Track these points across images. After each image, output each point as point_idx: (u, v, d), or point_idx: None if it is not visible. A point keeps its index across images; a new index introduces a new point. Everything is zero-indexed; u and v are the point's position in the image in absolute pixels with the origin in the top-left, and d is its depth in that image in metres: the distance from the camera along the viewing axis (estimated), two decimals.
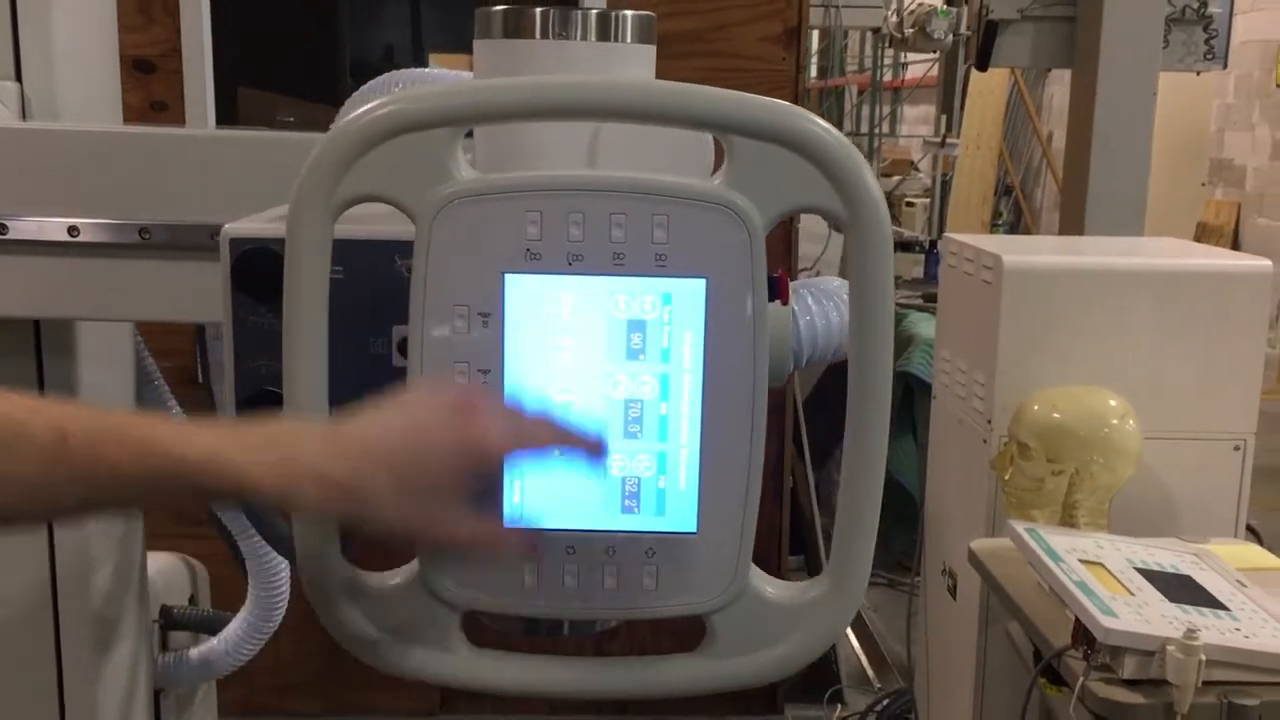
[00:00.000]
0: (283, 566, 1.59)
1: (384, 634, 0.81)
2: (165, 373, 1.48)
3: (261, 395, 0.86)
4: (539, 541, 0.77)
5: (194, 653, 1.59)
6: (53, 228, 1.04)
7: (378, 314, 0.84)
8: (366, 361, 0.85)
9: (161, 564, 1.66)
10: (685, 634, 0.83)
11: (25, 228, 1.04)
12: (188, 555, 1.76)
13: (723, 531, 0.79)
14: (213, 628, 1.62)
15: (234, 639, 1.60)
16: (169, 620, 1.61)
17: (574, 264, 0.76)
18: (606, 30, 0.83)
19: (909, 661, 2.25)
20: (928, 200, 6.18)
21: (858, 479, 0.79)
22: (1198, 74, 2.77)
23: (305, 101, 2.38)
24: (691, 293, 0.76)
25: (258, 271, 0.84)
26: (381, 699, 2.75)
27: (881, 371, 0.77)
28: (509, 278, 0.76)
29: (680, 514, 0.79)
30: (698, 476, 0.78)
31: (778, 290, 0.78)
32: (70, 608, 1.28)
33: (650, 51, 0.86)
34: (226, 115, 2.32)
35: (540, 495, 0.79)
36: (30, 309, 1.11)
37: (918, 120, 8.61)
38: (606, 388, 0.78)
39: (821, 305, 0.90)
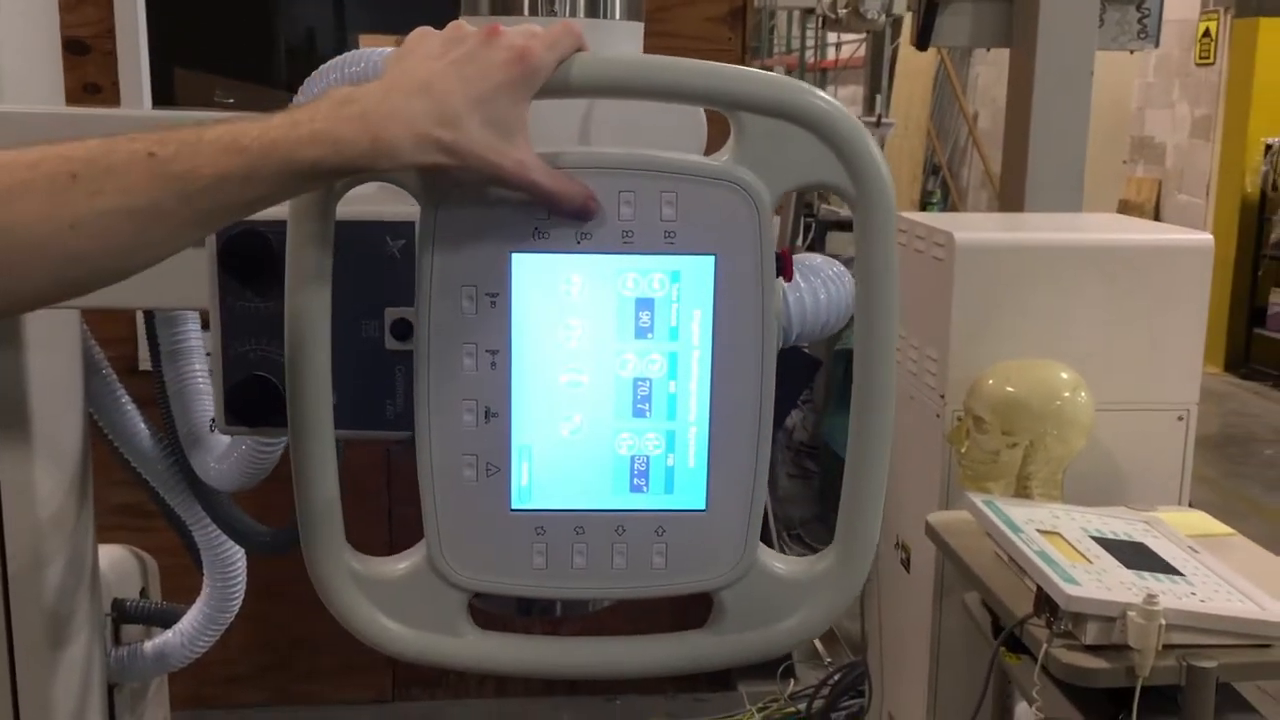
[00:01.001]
0: (238, 557, 1.56)
1: (391, 619, 0.80)
2: (111, 361, 1.44)
3: (250, 381, 0.85)
4: (594, 202, 0.75)
5: (149, 646, 1.56)
6: None
7: (369, 296, 0.83)
8: (358, 345, 0.83)
9: (112, 557, 1.62)
10: (683, 612, 0.83)
11: None
12: (137, 548, 1.72)
13: (732, 508, 0.79)
14: (166, 620, 1.59)
15: (190, 631, 1.57)
16: (121, 614, 1.58)
17: (582, 242, 0.75)
18: (595, 6, 0.82)
19: (862, 635, 2.27)
20: None
21: (863, 454, 0.79)
22: (1131, 53, 2.83)
23: (242, 82, 2.33)
24: (700, 270, 0.76)
25: (246, 255, 0.82)
26: (331, 689, 2.72)
27: (888, 346, 0.77)
28: (516, 257, 0.75)
29: (689, 492, 0.79)
30: (706, 454, 0.78)
31: (782, 267, 0.78)
32: (22, 602, 1.25)
33: (638, 28, 0.86)
34: (162, 97, 2.26)
35: (549, 475, 0.79)
36: None
37: (846, 100, 8.67)
38: (615, 366, 0.77)
39: (810, 282, 0.90)
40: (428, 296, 0.75)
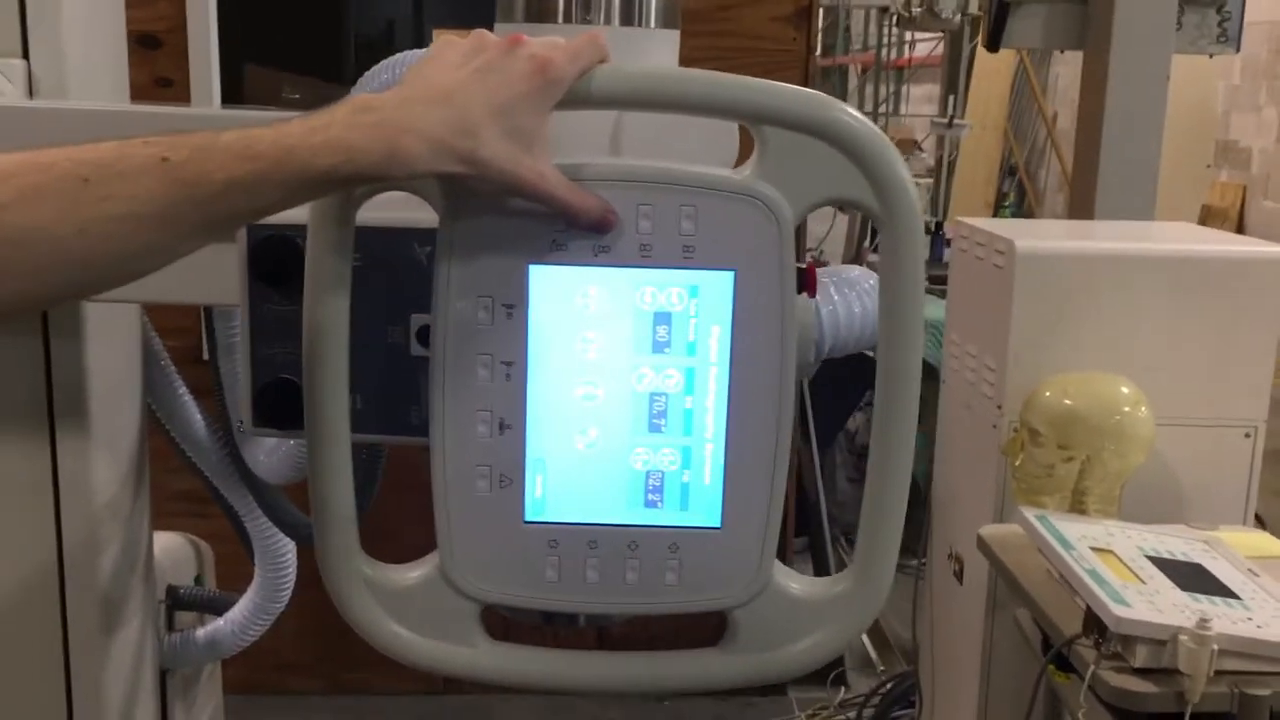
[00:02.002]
0: (289, 548, 1.58)
1: (404, 627, 0.81)
2: (171, 351, 1.47)
3: (278, 384, 0.86)
4: (613, 215, 0.74)
5: (200, 633, 1.59)
6: None
7: (396, 302, 0.83)
8: (384, 350, 0.84)
9: (168, 544, 1.65)
10: (705, 628, 0.83)
11: None
12: (194, 535, 1.75)
13: (747, 527, 0.78)
14: (219, 608, 1.62)
15: (241, 619, 1.60)
16: (175, 600, 1.61)
17: (600, 255, 0.74)
18: (630, 14, 0.82)
19: (914, 645, 2.25)
20: (931, 181, 6.16)
21: (884, 473, 0.78)
22: (1210, 56, 2.75)
23: (311, 79, 2.35)
24: (719, 285, 0.75)
25: (275, 259, 0.83)
26: (382, 679, 2.75)
27: (911, 364, 0.76)
28: (534, 269, 0.75)
29: (704, 509, 0.78)
30: (722, 471, 0.77)
31: (805, 283, 0.77)
32: (77, 588, 1.28)
33: (674, 36, 0.85)
34: (232, 92, 2.30)
35: (563, 488, 0.78)
36: None
37: (922, 99, 8.57)
38: (631, 381, 0.77)
39: (844, 295, 0.88)
40: (444, 306, 0.75)
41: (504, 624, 0.85)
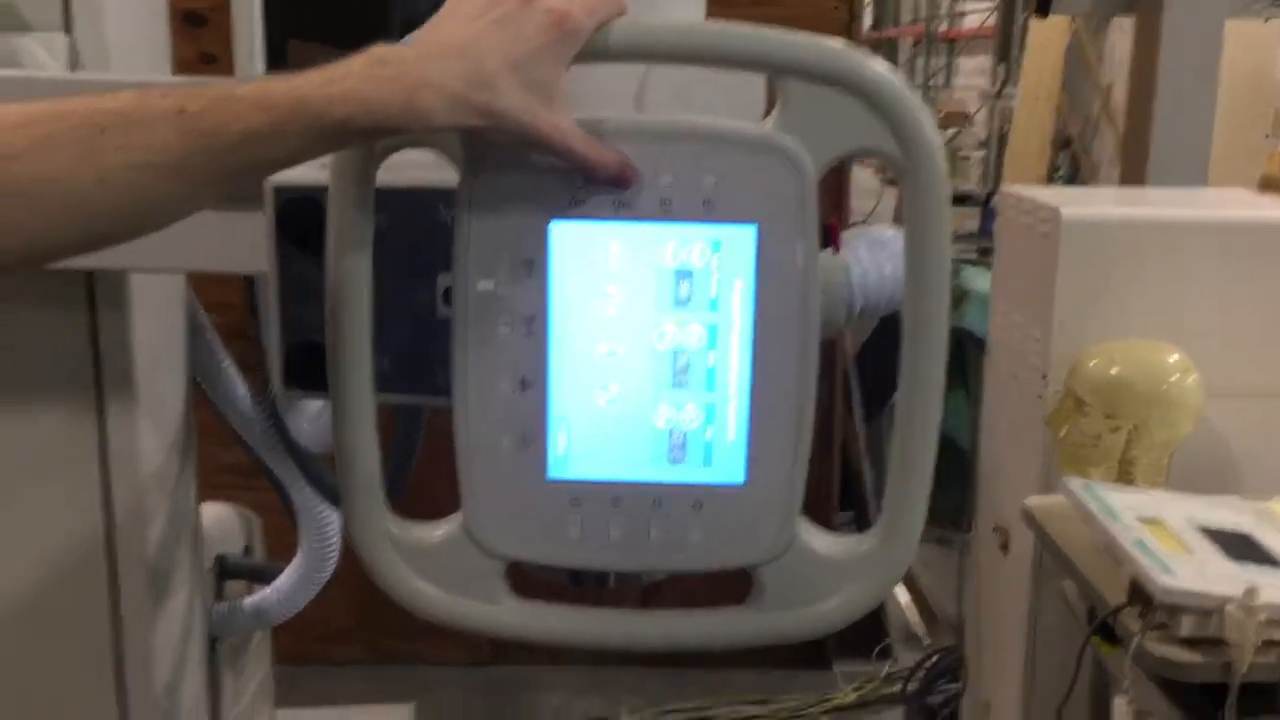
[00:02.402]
0: (333, 518, 1.60)
1: (429, 584, 0.81)
2: (218, 327, 1.49)
3: (306, 345, 0.86)
4: (632, 170, 0.74)
5: (248, 602, 1.62)
6: None
7: (422, 264, 0.83)
8: (410, 312, 0.84)
9: (217, 514, 1.68)
10: (733, 588, 0.82)
11: None
12: (242, 506, 1.78)
13: (772, 484, 0.77)
14: (266, 577, 1.65)
15: (287, 589, 1.62)
16: (224, 569, 1.64)
17: (620, 211, 0.74)
18: None
19: (959, 618, 2.23)
20: (983, 153, 6.06)
21: (912, 430, 0.77)
22: (1265, 21, 2.68)
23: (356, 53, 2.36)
24: (741, 240, 0.74)
25: (302, 220, 0.83)
26: (431, 649, 2.78)
27: (937, 321, 0.75)
28: (554, 225, 0.75)
29: (728, 466, 0.78)
30: (746, 428, 0.77)
31: (829, 238, 0.76)
32: (126, 556, 1.31)
33: None
34: (276, 67, 2.31)
35: (585, 446, 0.78)
36: (80, 259, 1.11)
37: (973, 72, 8.44)
38: (653, 337, 0.77)
39: (875, 255, 0.88)
40: (465, 263, 0.75)
41: (534, 584, 0.86)
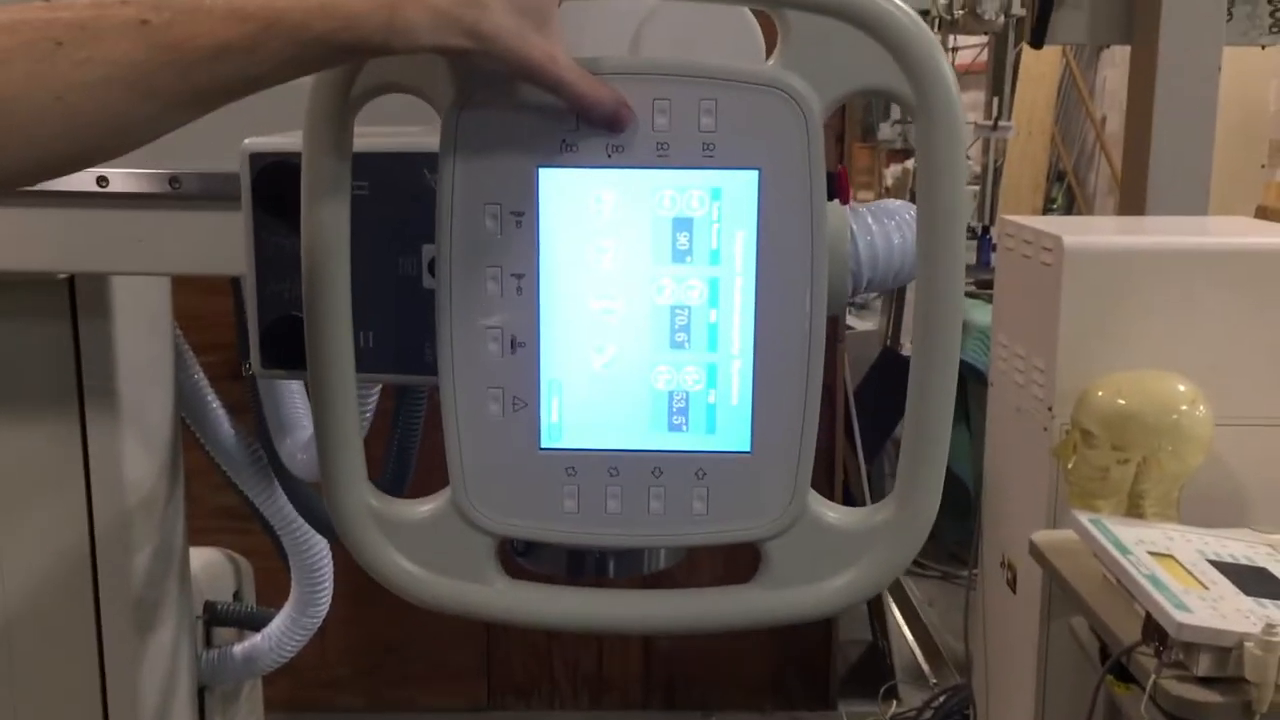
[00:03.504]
0: (325, 562, 1.57)
1: (417, 566, 0.76)
2: (209, 367, 1.46)
3: (285, 320, 0.81)
4: (628, 110, 0.69)
5: (237, 649, 1.58)
6: (81, 178, 1.00)
7: (406, 232, 0.78)
8: (394, 284, 0.79)
9: (206, 560, 1.65)
10: (742, 575, 0.77)
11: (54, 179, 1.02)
12: (232, 550, 1.74)
13: (779, 451, 0.72)
14: (256, 624, 1.61)
15: (277, 635, 1.59)
16: (213, 616, 1.60)
17: (614, 156, 0.69)
18: None
19: (966, 657, 2.19)
20: (978, 187, 6.07)
21: (926, 392, 0.71)
22: (1263, 48, 2.67)
23: None
24: (743, 187, 0.69)
25: (280, 188, 0.77)
26: (426, 696, 2.74)
27: (954, 272, 0.69)
28: (544, 172, 0.70)
29: (732, 432, 0.73)
30: (751, 390, 0.71)
31: (837, 188, 0.70)
32: (112, 602, 1.27)
33: None
34: None
35: (580, 411, 0.73)
36: (61, 263, 1.08)
37: (967, 107, 8.46)
38: (650, 293, 0.71)
39: (883, 225, 0.82)
40: (448, 215, 0.70)
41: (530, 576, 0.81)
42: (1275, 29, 2.53)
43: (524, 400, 0.72)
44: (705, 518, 0.73)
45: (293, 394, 1.42)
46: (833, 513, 0.75)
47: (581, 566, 0.82)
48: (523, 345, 0.72)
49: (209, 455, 1.47)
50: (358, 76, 0.70)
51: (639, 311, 0.72)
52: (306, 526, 1.52)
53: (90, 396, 1.20)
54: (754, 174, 0.69)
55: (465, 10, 0.63)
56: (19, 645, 1.24)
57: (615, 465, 0.73)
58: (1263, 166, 6.92)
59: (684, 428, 0.73)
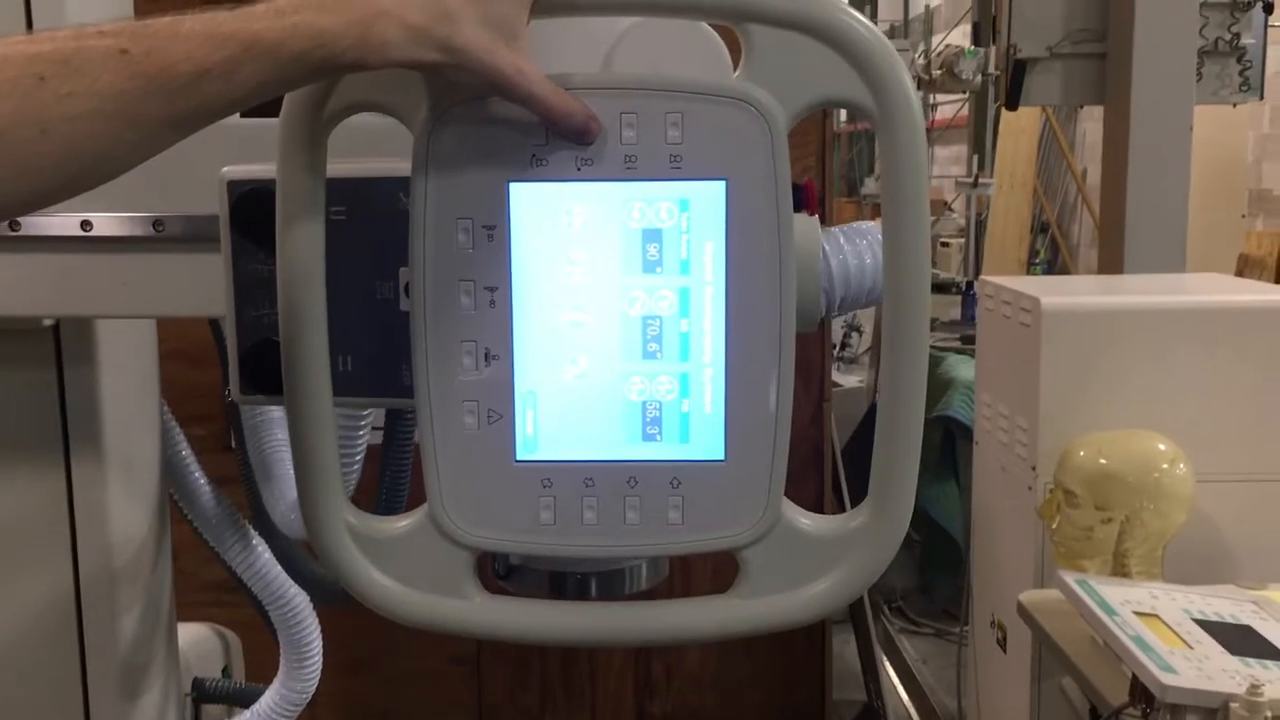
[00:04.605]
0: (313, 637, 1.56)
1: (394, 581, 0.76)
2: (198, 440, 1.47)
3: (264, 345, 0.81)
4: (597, 123, 0.70)
5: None
6: (66, 222, 1.01)
7: (383, 256, 0.79)
8: (372, 307, 0.80)
9: (194, 636, 1.64)
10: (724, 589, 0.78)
11: (38, 223, 1.01)
12: (222, 623, 1.74)
13: (753, 458, 0.72)
14: (245, 700, 1.60)
15: (267, 711, 1.57)
16: (202, 693, 1.59)
17: (583, 169, 0.70)
18: None
19: (959, 714, 2.18)
20: (963, 240, 6.13)
21: (897, 396, 0.72)
22: (1234, 106, 2.73)
23: None
24: (710, 197, 0.71)
25: (258, 214, 0.78)
26: None
27: (918, 277, 0.71)
28: (514, 186, 0.71)
29: (706, 440, 0.73)
30: (724, 399, 0.72)
31: (804, 199, 0.72)
32: (99, 680, 1.26)
33: None
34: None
35: (555, 423, 0.74)
36: (46, 308, 1.08)
37: (950, 160, 8.59)
38: (622, 304, 0.72)
39: (854, 244, 0.82)
40: (421, 230, 0.71)
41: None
42: (1245, 88, 2.59)
43: (499, 412, 0.73)
44: (681, 527, 0.74)
45: (282, 450, 1.42)
46: (808, 520, 0.75)
47: (563, 589, 0.83)
48: (497, 358, 0.73)
49: (194, 529, 1.47)
50: (331, 95, 0.71)
51: (611, 322, 0.73)
52: (294, 599, 1.52)
53: (75, 445, 1.19)
54: (721, 184, 0.71)
55: (437, 25, 0.64)
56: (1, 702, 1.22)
57: (591, 476, 0.74)
58: (1243, 216, 7.00)
59: (658, 437, 0.74)
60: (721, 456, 0.73)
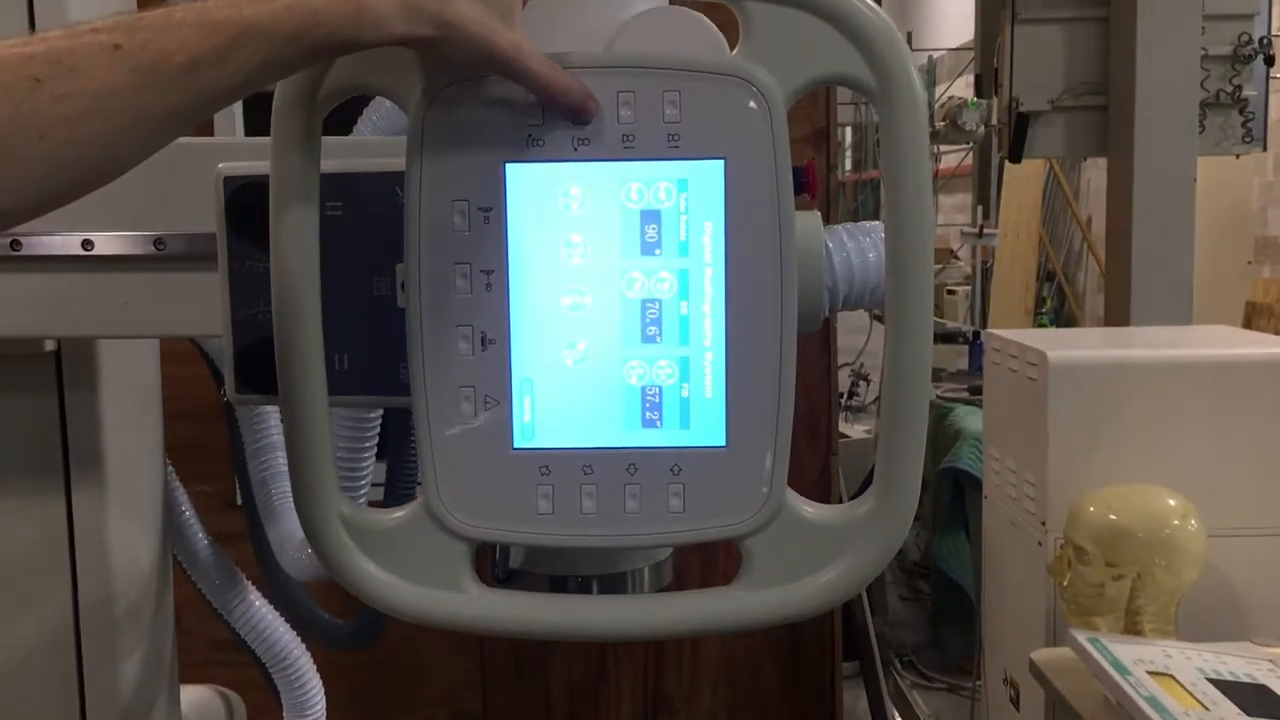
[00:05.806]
0: (317, 700, 1.55)
1: (389, 574, 0.74)
2: (204, 497, 1.46)
3: (261, 343, 0.80)
4: (594, 101, 0.69)
5: None
6: (66, 242, 1.00)
7: (380, 252, 0.78)
8: (369, 304, 0.79)
9: (197, 698, 1.62)
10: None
11: (39, 243, 1.01)
12: (225, 683, 1.72)
13: (755, 444, 0.71)
14: None
15: None
16: None
17: (580, 149, 0.69)
18: None
19: None
20: (969, 289, 6.14)
21: (901, 384, 0.70)
22: (1236, 157, 2.73)
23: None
24: (709, 176, 0.70)
25: (254, 210, 0.77)
26: None
27: (921, 261, 0.69)
28: (511, 167, 0.70)
29: (707, 426, 0.72)
30: (724, 383, 0.71)
31: (805, 182, 0.71)
32: (95, 658, 1.22)
33: None
34: (256, 123, 2.31)
35: (553, 410, 0.72)
36: (47, 328, 1.07)
37: (955, 209, 8.62)
38: (621, 286, 0.71)
39: (858, 242, 0.81)
40: (416, 213, 0.70)
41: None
42: (1248, 139, 2.59)
43: (495, 399, 0.72)
44: (682, 515, 0.72)
45: (288, 498, 1.41)
46: (812, 509, 0.73)
47: (564, 593, 0.81)
48: (493, 342, 0.71)
49: (197, 590, 1.46)
50: (325, 76, 0.70)
51: (609, 305, 0.71)
52: (298, 660, 1.51)
53: (76, 472, 1.17)
54: (719, 164, 0.70)
55: (432, 1, 0.64)
56: None
57: (589, 464, 0.72)
58: (1250, 263, 7.00)
59: (658, 423, 0.72)
60: (723, 443, 0.72)
